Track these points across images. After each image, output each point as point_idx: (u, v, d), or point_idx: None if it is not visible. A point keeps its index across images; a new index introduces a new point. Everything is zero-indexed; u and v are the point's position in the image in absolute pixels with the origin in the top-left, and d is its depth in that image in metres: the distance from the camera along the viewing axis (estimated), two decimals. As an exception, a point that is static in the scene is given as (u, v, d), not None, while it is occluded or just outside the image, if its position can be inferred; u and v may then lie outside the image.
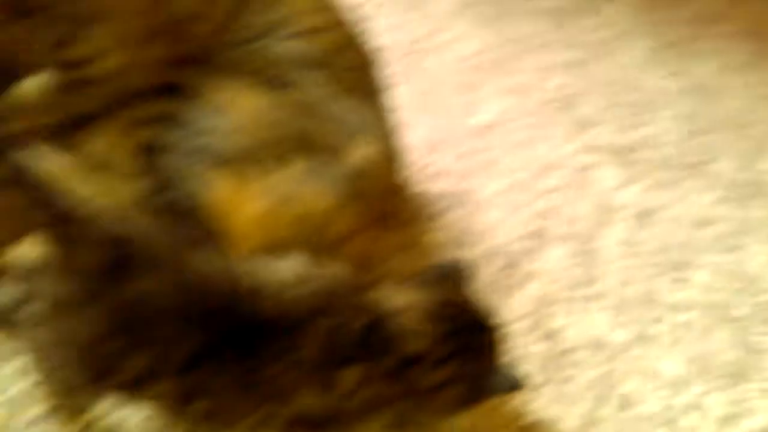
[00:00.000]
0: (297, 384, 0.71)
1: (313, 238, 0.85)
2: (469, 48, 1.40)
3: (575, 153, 1.19)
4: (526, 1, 1.53)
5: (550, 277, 1.00)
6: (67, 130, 0.85)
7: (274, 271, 0.74)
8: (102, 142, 0.88)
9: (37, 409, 0.79)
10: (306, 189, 0.85)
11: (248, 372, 0.70)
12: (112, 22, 0.88)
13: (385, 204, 0.92)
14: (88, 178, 0.96)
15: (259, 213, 0.84)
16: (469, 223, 1.07)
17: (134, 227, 0.73)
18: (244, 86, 0.88)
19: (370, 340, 0.73)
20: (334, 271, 0.76)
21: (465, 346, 0.75)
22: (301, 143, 0.87)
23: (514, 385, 0.77)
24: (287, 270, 0.74)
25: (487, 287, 0.97)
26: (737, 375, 0.91)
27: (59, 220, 0.71)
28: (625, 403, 0.88)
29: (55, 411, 0.78)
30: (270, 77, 0.89)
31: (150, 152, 0.86)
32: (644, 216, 1.10)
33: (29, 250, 0.73)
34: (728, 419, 0.87)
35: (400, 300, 0.75)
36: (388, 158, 0.93)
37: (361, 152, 0.89)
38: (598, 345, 0.93)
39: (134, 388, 0.71)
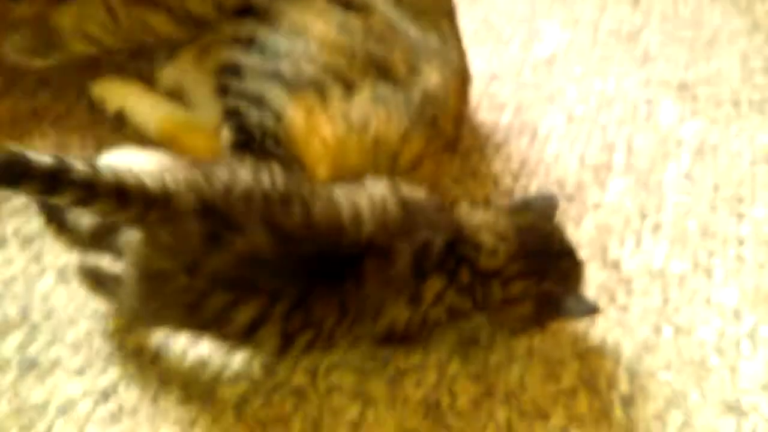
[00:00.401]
0: (387, 300, 0.75)
1: (385, 163, 0.87)
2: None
3: (636, 87, 1.19)
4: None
5: (611, 208, 1.02)
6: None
7: (369, 196, 0.76)
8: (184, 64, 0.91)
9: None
10: (378, 114, 0.87)
11: (345, 296, 0.73)
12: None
13: (453, 130, 0.94)
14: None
15: (332, 139, 0.86)
16: (530, 154, 1.08)
17: (225, 183, 0.71)
18: (320, 10, 0.89)
19: (451, 255, 0.76)
20: (419, 193, 0.78)
21: (541, 268, 0.78)
22: (373, 67, 0.88)
23: (589, 310, 0.80)
24: (379, 194, 0.76)
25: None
26: (791, 308, 0.93)
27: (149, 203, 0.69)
28: (681, 332, 0.90)
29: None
30: (345, 1, 0.90)
31: (230, 73, 0.88)
32: (704, 151, 1.11)
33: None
34: (781, 349, 0.90)
35: (480, 219, 0.78)
36: (458, 84, 0.94)
37: (432, 77, 0.90)
38: (655, 275, 0.95)
39: (242, 337, 0.74)
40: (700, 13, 1.35)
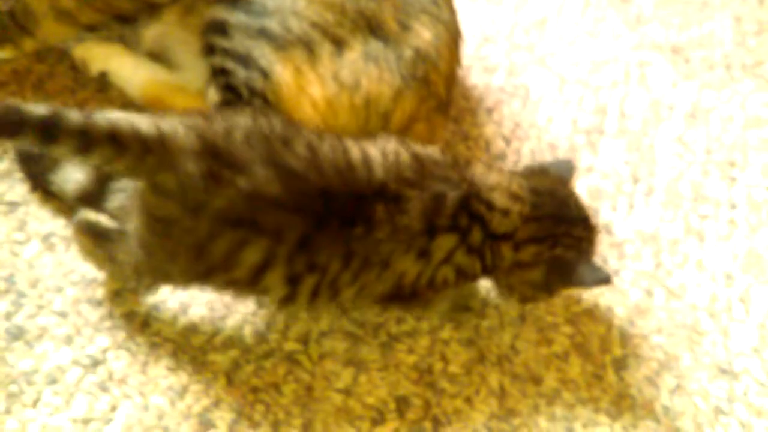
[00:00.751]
0: (397, 251, 0.73)
1: (377, 124, 0.85)
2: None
3: (629, 50, 1.17)
4: None
5: (603, 172, 1.01)
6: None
7: (381, 147, 0.75)
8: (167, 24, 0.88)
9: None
10: (369, 73, 0.85)
11: (352, 241, 0.72)
12: None
13: (445, 91, 0.92)
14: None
15: (321, 99, 0.84)
16: (522, 118, 1.07)
17: (220, 128, 0.71)
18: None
19: (464, 211, 0.74)
20: (432, 150, 0.77)
21: (555, 233, 0.76)
22: (364, 24, 0.86)
23: (602, 280, 0.78)
24: (392, 146, 0.75)
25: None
26: (783, 271, 0.94)
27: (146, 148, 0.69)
28: (673, 295, 0.90)
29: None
30: None
31: (217, 32, 0.86)
32: (696, 115, 1.10)
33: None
34: (772, 312, 0.90)
35: (494, 180, 0.77)
36: (450, 42, 0.92)
37: (424, 34, 0.88)
38: (648, 239, 0.95)
39: (249, 283, 0.73)
40: (693, -25, 1.33)
